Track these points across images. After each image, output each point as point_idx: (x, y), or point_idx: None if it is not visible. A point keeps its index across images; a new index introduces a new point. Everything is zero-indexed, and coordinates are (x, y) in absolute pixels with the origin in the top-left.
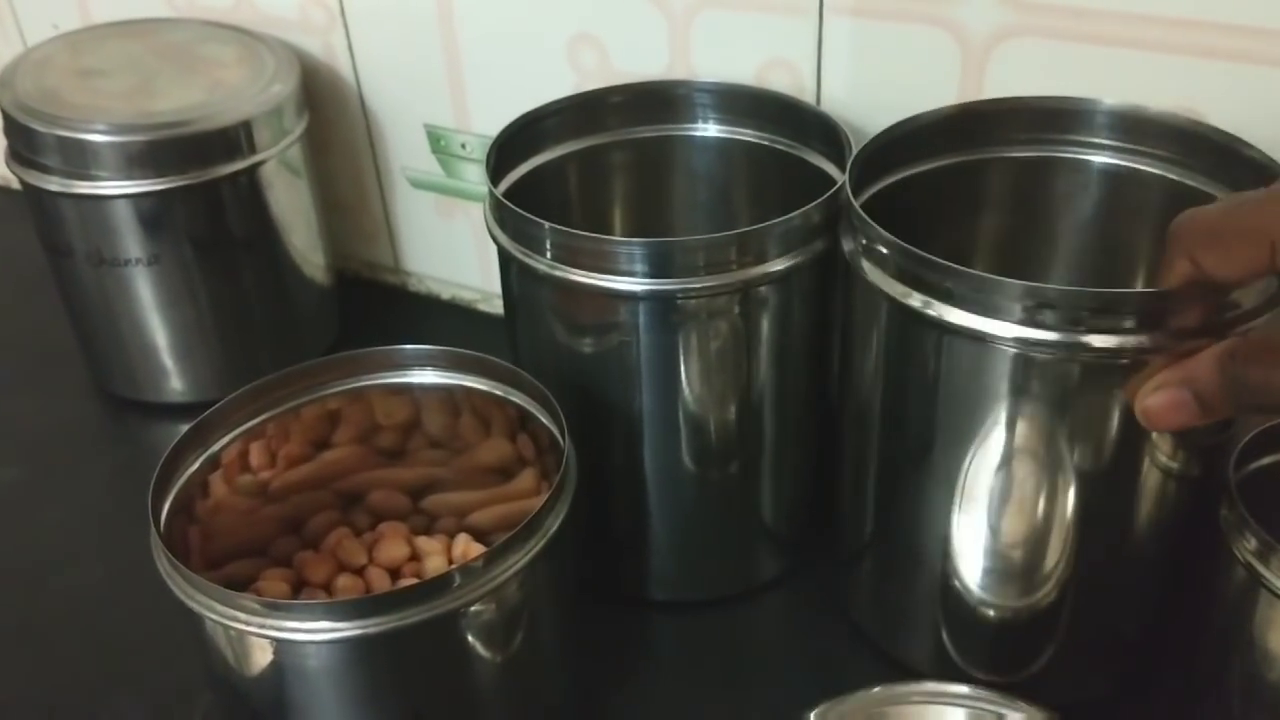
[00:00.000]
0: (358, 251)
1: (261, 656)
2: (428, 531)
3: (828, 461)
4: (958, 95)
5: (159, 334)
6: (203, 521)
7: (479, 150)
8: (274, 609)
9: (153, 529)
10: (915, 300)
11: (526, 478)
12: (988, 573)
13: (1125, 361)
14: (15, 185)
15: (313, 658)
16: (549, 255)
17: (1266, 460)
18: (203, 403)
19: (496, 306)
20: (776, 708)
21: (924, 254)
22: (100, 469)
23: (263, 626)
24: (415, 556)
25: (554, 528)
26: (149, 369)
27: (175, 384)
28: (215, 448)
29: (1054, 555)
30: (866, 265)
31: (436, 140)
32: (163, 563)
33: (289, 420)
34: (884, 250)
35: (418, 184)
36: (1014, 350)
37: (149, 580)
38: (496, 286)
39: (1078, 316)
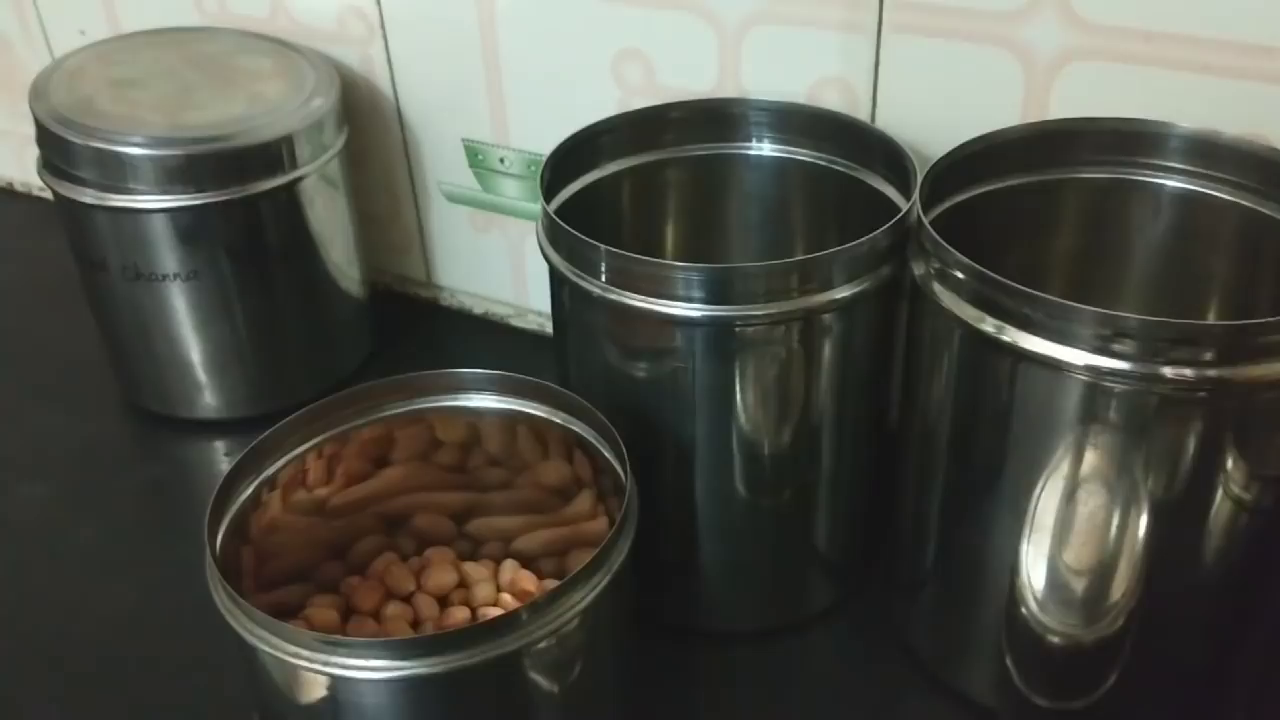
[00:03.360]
0: (390, 264)
1: (316, 691)
2: (473, 556)
3: (885, 489)
4: (1020, 118)
5: (194, 349)
6: (256, 543)
7: (518, 165)
8: (331, 645)
9: (208, 556)
10: (989, 325)
11: (583, 500)
12: (1054, 601)
13: (1202, 394)
14: (42, 193)
15: (369, 695)
16: (604, 278)
17: None
18: (236, 419)
19: (529, 322)
20: None
21: (1001, 279)
22: (132, 486)
23: (325, 664)
24: (463, 583)
25: (618, 563)
26: (183, 385)
27: (209, 400)
28: (270, 471)
29: (1122, 585)
30: (939, 289)
31: (474, 155)
32: (219, 594)
33: (347, 439)
34: (959, 274)
35: (454, 198)
36: (1088, 379)
37: (180, 598)
38: (530, 302)
39: (1156, 347)
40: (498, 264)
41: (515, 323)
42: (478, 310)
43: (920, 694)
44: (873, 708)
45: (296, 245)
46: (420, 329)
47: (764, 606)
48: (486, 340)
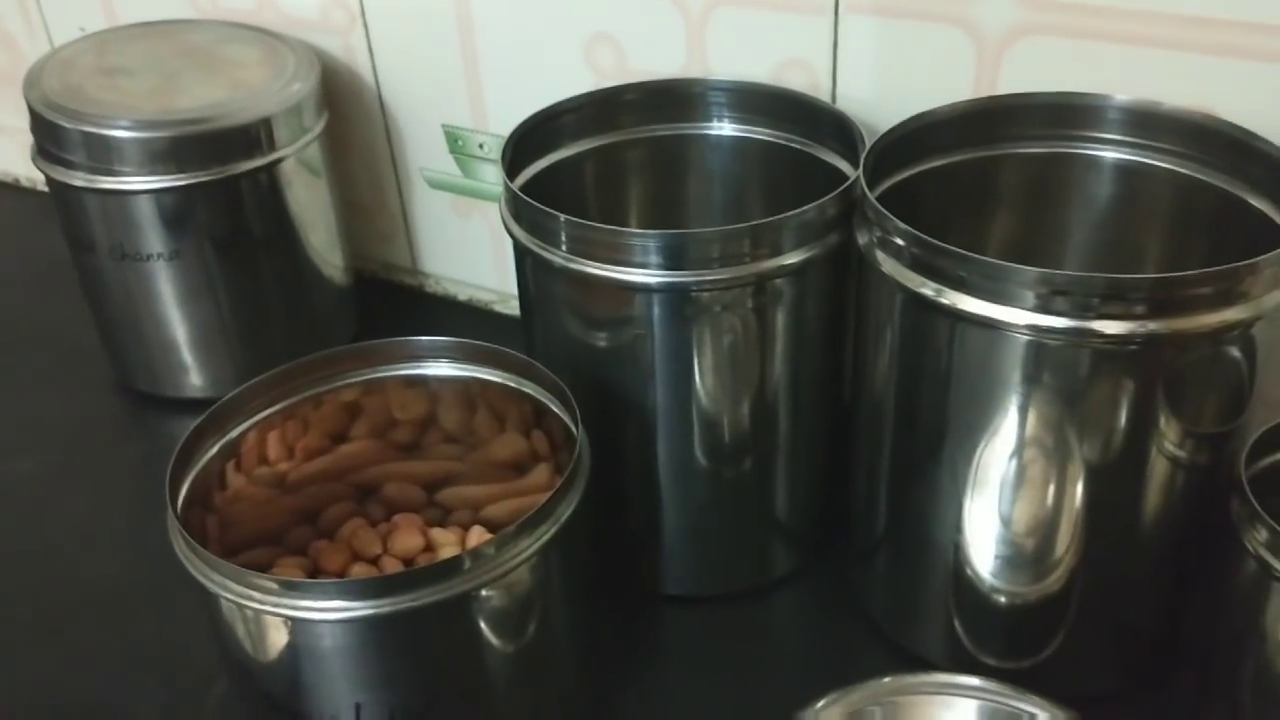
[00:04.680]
0: (375, 252)
1: (277, 636)
2: (442, 524)
3: (842, 456)
4: (973, 93)
5: (179, 329)
6: (220, 511)
7: (496, 150)
8: (290, 588)
9: (170, 511)
10: (928, 289)
11: (541, 472)
12: (999, 561)
13: (1135, 348)
14: (44, 188)
15: (327, 637)
16: (564, 248)
17: (1278, 456)
18: (221, 399)
19: (513, 308)
20: (789, 701)
21: (938, 242)
22: (120, 463)
23: (278, 605)
24: (430, 547)
25: (566, 515)
26: (169, 365)
27: (194, 380)
28: (232, 434)
29: (1064, 543)
30: (881, 256)
31: (454, 140)
32: (179, 544)
33: (306, 412)
34: (899, 241)
35: (435, 184)
36: (1026, 338)
37: (166, 570)
38: (513, 288)
39: (1088, 303)
40: (480, 250)
41: (499, 308)
42: (462, 296)
43: (876, 655)
44: (829, 668)
45: (277, 228)
46: (404, 315)
47: (726, 572)
48: (469, 326)
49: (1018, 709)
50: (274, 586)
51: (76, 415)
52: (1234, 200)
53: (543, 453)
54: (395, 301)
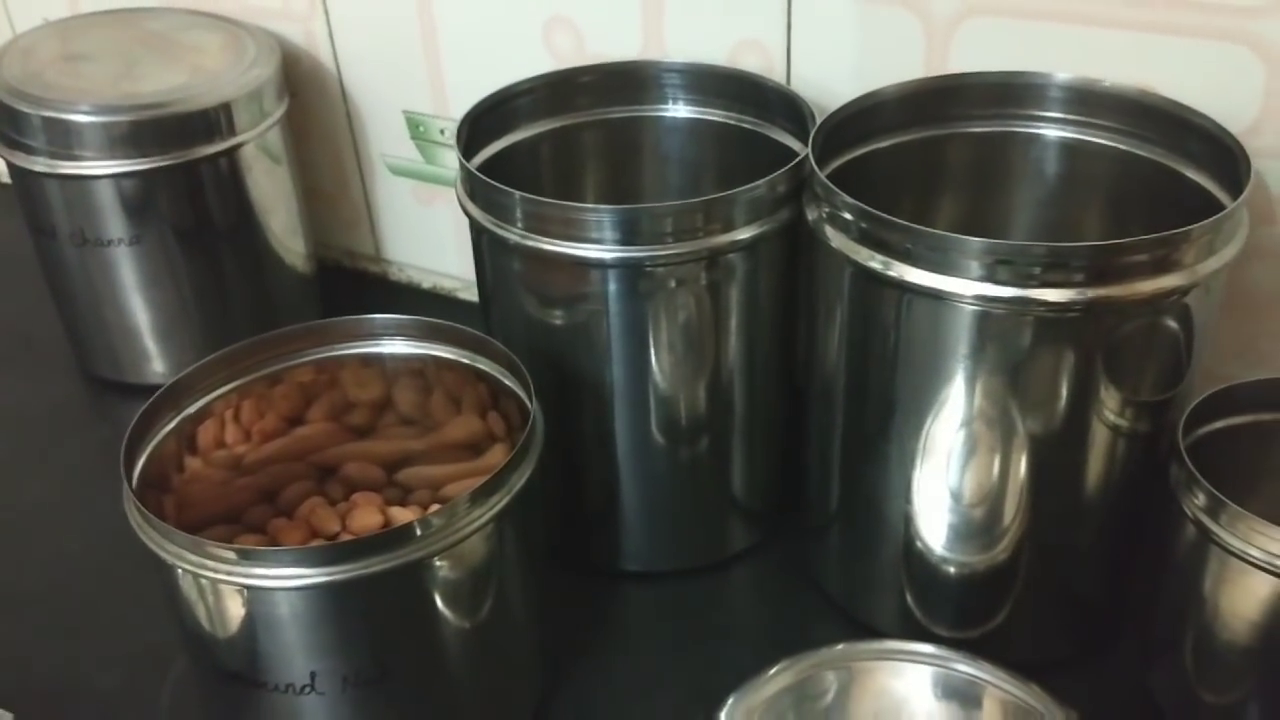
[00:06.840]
0: (339, 239)
1: (232, 605)
2: (402, 503)
3: (798, 432)
4: (924, 73)
5: (140, 315)
6: (177, 492)
7: None
8: (245, 556)
9: (125, 485)
10: (876, 262)
11: (497, 453)
12: (947, 532)
13: (1075, 315)
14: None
15: (282, 605)
16: (519, 225)
17: (1216, 425)
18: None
19: (476, 295)
20: (743, 673)
21: (884, 215)
22: (82, 449)
23: (232, 574)
24: (388, 525)
25: (519, 485)
26: (131, 351)
27: (156, 366)
28: (188, 411)
29: (1010, 513)
30: (830, 231)
31: (415, 126)
32: (135, 516)
33: (262, 390)
34: (846, 216)
35: (397, 171)
36: (971, 308)
37: (125, 553)
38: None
39: (1030, 272)
40: (443, 237)
41: (463, 295)
42: (426, 284)
43: (831, 628)
44: (785, 640)
45: (238, 214)
46: (368, 303)
47: (683, 548)
48: (434, 313)
49: (966, 674)
50: (230, 555)
51: (39, 402)
52: (1172, 174)
53: (499, 434)
54: (359, 289)
